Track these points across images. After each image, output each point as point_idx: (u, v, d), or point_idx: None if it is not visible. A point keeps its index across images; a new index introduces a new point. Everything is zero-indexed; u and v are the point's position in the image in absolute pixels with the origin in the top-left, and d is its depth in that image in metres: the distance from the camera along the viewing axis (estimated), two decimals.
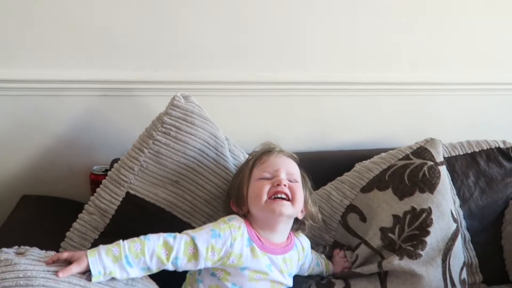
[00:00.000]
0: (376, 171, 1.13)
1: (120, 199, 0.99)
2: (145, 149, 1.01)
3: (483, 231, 1.17)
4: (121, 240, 0.77)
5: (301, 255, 0.97)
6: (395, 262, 0.97)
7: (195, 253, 0.80)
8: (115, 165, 1.03)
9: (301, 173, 0.98)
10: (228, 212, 0.95)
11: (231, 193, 0.97)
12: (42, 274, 0.70)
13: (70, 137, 1.17)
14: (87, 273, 0.73)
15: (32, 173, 1.19)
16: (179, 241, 0.79)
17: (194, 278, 0.90)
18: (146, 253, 0.76)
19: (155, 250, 0.77)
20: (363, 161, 1.20)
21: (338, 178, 1.18)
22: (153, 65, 1.16)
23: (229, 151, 1.08)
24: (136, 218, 0.99)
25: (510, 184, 1.20)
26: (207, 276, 0.87)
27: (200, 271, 0.88)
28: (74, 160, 1.20)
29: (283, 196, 0.88)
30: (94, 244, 0.96)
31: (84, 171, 1.20)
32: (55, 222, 1.06)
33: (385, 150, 1.21)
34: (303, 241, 1.00)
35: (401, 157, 1.13)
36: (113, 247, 0.75)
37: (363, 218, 1.09)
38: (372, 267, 1.00)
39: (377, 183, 1.11)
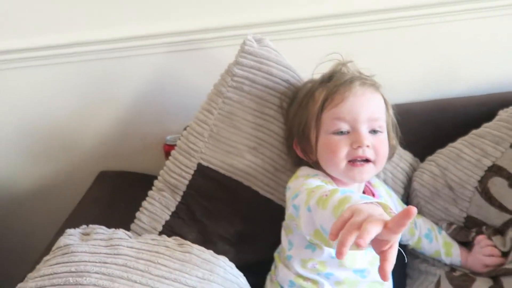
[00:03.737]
0: None
1: (192, 172, 0.83)
2: (214, 110, 0.83)
3: None
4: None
5: None
6: None
7: None
8: (184, 132, 0.87)
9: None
10: (294, 156, 0.79)
11: (293, 131, 0.78)
12: (97, 268, 0.62)
13: (139, 103, 1.05)
14: None
15: (107, 148, 1.10)
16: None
17: (283, 256, 0.76)
18: None
19: None
20: None
21: (474, 131, 0.88)
22: (220, 9, 0.95)
23: None
24: (210, 194, 0.83)
25: None
26: (301, 249, 0.72)
27: (291, 244, 0.74)
28: (147, 130, 1.08)
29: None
30: (166, 226, 0.82)
31: (158, 142, 1.07)
32: (129, 199, 0.96)
33: None
34: (376, 186, 0.82)
35: None
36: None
37: None
38: None
39: None
